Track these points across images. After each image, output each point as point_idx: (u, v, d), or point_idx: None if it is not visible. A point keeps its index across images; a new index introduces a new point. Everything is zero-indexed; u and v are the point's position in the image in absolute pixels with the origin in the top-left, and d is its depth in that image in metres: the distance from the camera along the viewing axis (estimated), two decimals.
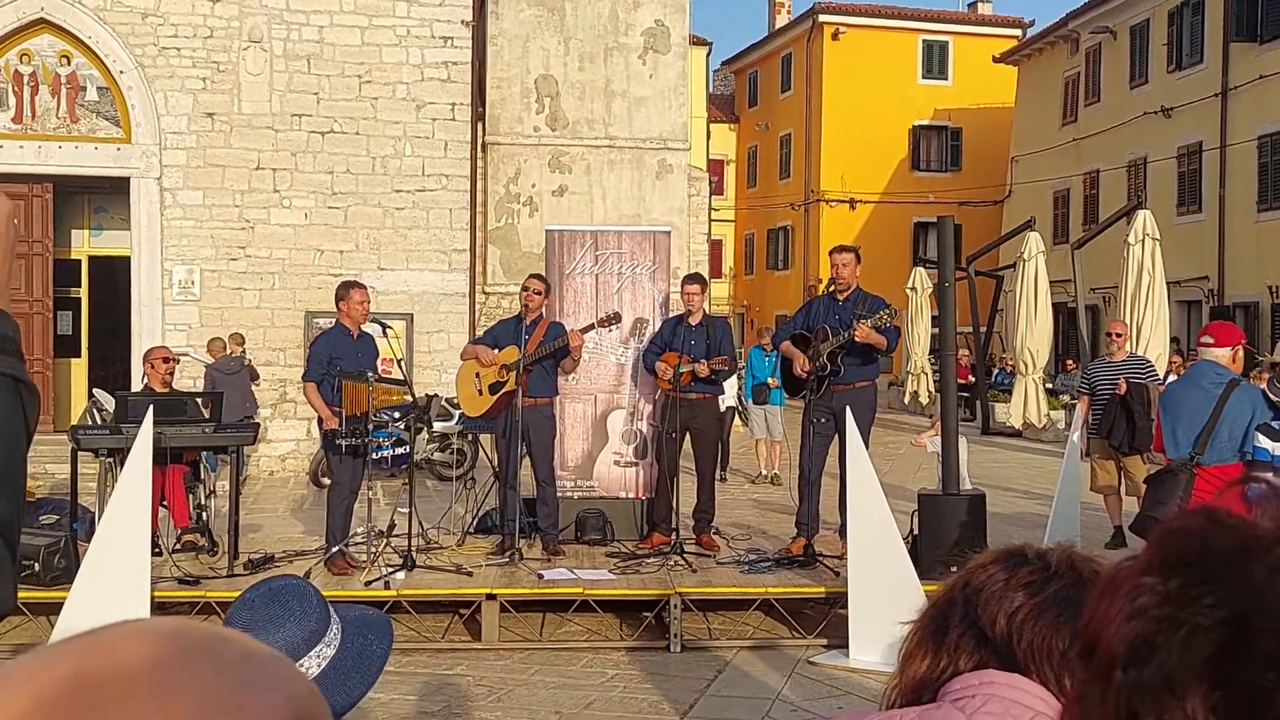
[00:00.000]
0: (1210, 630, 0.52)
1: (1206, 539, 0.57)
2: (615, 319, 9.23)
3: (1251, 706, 0.50)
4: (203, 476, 9.62)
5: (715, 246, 35.51)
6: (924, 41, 39.04)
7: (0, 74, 16.43)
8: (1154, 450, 7.18)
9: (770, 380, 13.80)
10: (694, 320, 9.31)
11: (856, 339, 8.37)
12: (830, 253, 9.08)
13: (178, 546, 9.02)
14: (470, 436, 13.81)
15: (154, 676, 0.55)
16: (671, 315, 9.80)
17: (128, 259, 16.61)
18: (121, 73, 16.38)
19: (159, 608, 7.74)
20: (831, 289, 8.96)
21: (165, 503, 9.01)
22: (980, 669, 1.31)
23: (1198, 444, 6.39)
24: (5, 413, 1.21)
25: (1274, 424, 6.37)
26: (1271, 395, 7.19)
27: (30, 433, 1.25)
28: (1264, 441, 6.24)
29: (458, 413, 14.65)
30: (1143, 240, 16.26)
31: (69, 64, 16.55)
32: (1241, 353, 6.82)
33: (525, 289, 9.16)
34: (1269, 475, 0.64)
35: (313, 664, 1.75)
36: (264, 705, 0.57)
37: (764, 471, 15.81)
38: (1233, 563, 0.54)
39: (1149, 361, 11.72)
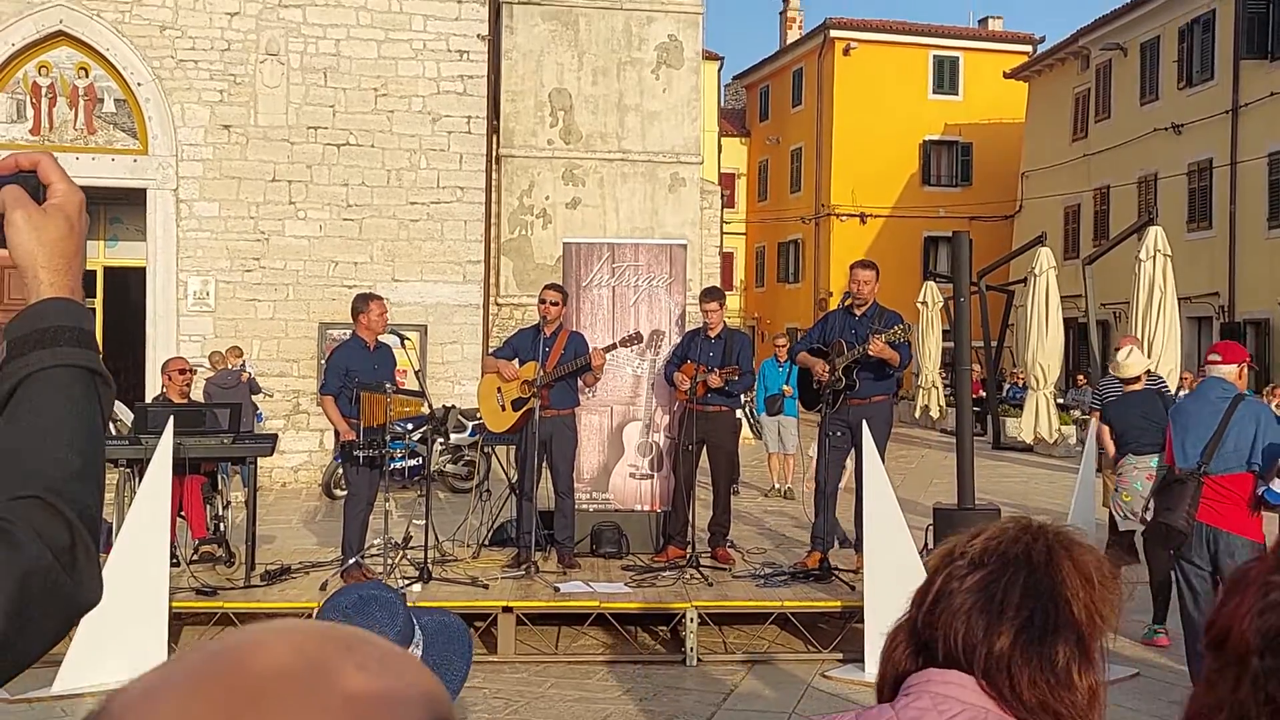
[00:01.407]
0: None
1: None
2: (637, 339, 9.28)
3: None
4: (220, 487, 9.67)
5: (727, 259, 35.58)
6: (935, 57, 39.11)
7: (19, 86, 16.55)
8: (1164, 462, 7.29)
9: (785, 388, 13.82)
10: (713, 333, 9.36)
11: (871, 354, 8.40)
12: (851, 267, 9.11)
13: (195, 557, 9.07)
14: (483, 448, 13.85)
15: (307, 673, 0.60)
16: (691, 328, 9.85)
17: (143, 270, 16.70)
18: (139, 85, 16.48)
19: (176, 619, 7.79)
20: (849, 303, 9.00)
21: (183, 513, 9.06)
22: (924, 668, 1.41)
23: (1205, 454, 6.59)
24: (86, 406, 1.24)
25: None
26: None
27: (105, 424, 1.29)
28: (1277, 485, 6.45)
29: (471, 424, 14.71)
30: (1154, 256, 16.30)
31: (87, 76, 16.67)
32: (1246, 370, 7.08)
33: (542, 300, 9.18)
34: None
35: None
36: (406, 700, 0.61)
37: (776, 485, 15.82)
38: None
39: (1161, 378, 11.72)
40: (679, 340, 9.73)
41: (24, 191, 1.31)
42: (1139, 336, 15.60)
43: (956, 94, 39.07)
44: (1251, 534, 6.52)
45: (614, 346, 9.12)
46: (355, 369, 8.70)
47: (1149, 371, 11.09)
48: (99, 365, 1.29)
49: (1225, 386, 6.76)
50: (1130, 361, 9.54)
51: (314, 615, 1.89)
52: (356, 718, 0.59)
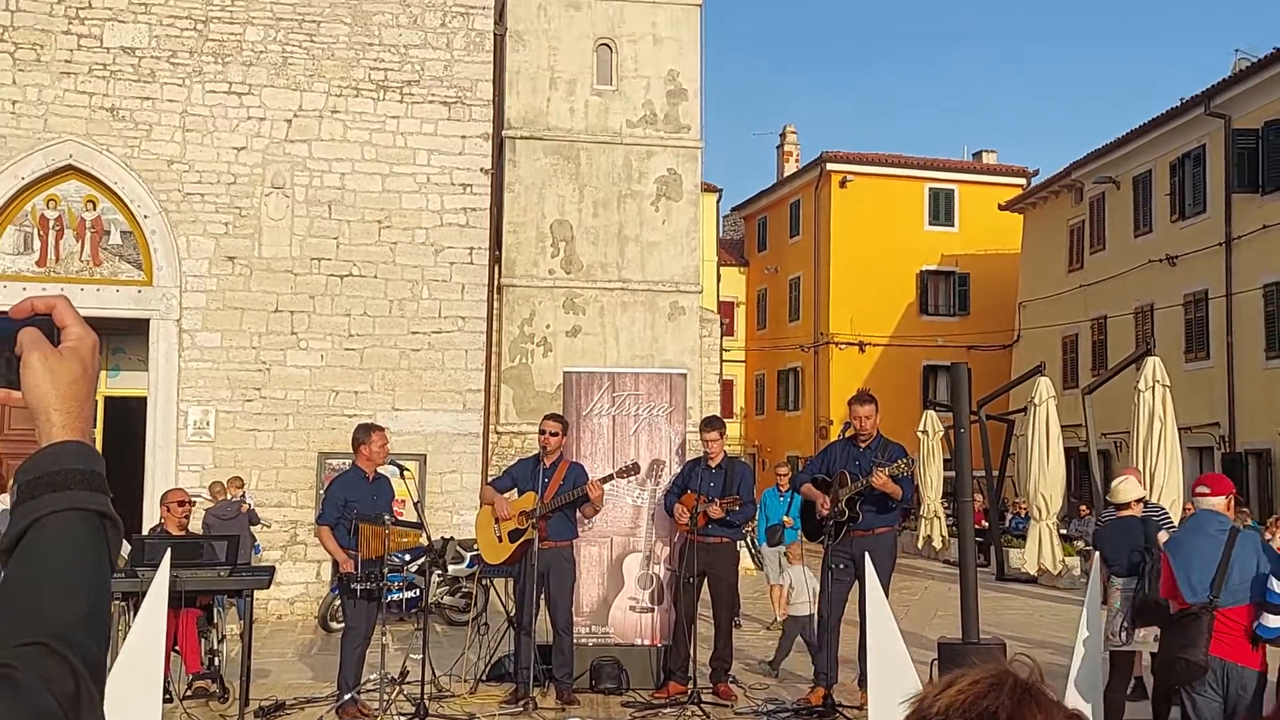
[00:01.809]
0: None
1: None
2: (634, 469, 9.26)
3: None
4: (215, 620, 9.55)
5: (727, 387, 35.67)
6: (930, 189, 39.76)
7: (27, 218, 16.78)
8: (1160, 595, 7.35)
9: (785, 519, 13.72)
10: (713, 463, 9.34)
11: (874, 486, 8.37)
12: (849, 403, 9.13)
13: (189, 693, 8.92)
14: (481, 580, 13.71)
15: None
16: (691, 457, 9.83)
17: (144, 399, 16.73)
18: (145, 217, 16.71)
19: None
20: (850, 434, 8.99)
21: (177, 647, 8.93)
22: None
23: (1214, 587, 6.64)
24: (94, 550, 1.24)
25: None
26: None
27: (112, 568, 1.29)
28: (1277, 586, 6.49)
29: (469, 556, 14.59)
30: (1153, 386, 16.32)
31: (94, 209, 16.90)
32: (1233, 501, 7.36)
33: (543, 431, 9.18)
34: None
35: None
36: None
37: (779, 618, 15.59)
38: None
39: (1164, 509, 11.65)
40: (679, 470, 9.71)
41: (41, 334, 1.32)
42: (1140, 467, 15.55)
43: (952, 225, 39.62)
44: (1256, 665, 6.54)
45: (610, 478, 9.09)
46: (354, 499, 8.67)
47: (1146, 502, 11.04)
48: (109, 509, 1.29)
49: (1220, 519, 6.86)
50: (1122, 488, 9.55)
51: None
52: None
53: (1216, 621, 6.59)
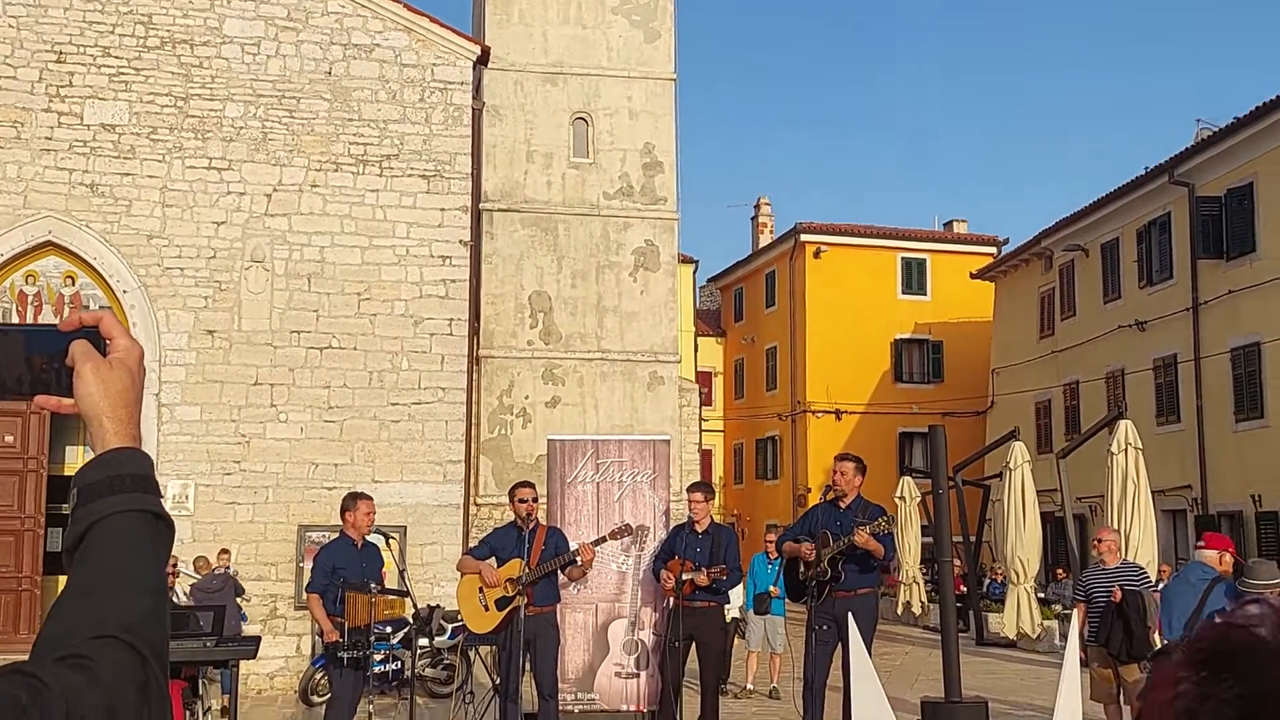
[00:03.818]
0: (1231, 703, 0.76)
1: (1226, 640, 0.80)
2: (627, 531, 9.34)
3: None
4: (200, 692, 9.51)
5: (706, 456, 35.75)
6: (903, 259, 40.25)
7: (5, 294, 16.82)
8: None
9: (772, 589, 13.74)
10: (700, 528, 9.42)
11: (856, 544, 8.48)
12: (835, 459, 9.30)
13: None
14: (464, 650, 13.67)
15: None
16: (678, 523, 9.91)
17: None
18: (125, 292, 16.77)
19: None
20: (830, 496, 9.11)
21: None
22: None
23: (1188, 627, 7.39)
24: (152, 549, 1.33)
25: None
26: (1240, 588, 7.85)
27: (166, 564, 1.38)
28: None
29: (450, 627, 14.54)
30: (1125, 449, 16.56)
31: (73, 284, 16.97)
32: (1229, 557, 8.07)
33: (523, 500, 9.22)
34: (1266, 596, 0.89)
35: None
36: None
37: (749, 686, 15.59)
38: (1244, 657, 0.78)
39: (1142, 568, 11.79)
40: (665, 535, 9.78)
41: (91, 346, 1.41)
42: (1116, 529, 15.71)
43: (925, 294, 40.07)
44: None
45: (603, 540, 9.17)
46: (341, 567, 8.70)
47: (1125, 561, 11.21)
48: (162, 509, 1.38)
49: (1205, 569, 7.57)
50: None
51: None
52: None
53: None
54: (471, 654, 13.43)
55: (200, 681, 9.57)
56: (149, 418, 16.59)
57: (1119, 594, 10.41)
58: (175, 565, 14.80)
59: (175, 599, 13.89)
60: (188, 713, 9.15)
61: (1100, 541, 11.17)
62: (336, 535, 9.19)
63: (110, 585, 1.28)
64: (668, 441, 10.64)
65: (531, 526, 9.14)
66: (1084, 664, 11.16)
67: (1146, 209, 28.50)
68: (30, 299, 16.92)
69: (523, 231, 20.38)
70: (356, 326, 17.24)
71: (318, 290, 17.22)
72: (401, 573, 9.22)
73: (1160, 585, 17.77)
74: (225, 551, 15.82)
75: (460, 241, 17.77)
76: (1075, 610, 11.27)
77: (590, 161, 20.81)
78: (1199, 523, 26.10)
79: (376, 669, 9.24)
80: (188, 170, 17.08)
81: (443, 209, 17.69)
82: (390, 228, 17.50)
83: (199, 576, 15.06)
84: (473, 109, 18.18)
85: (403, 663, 13.27)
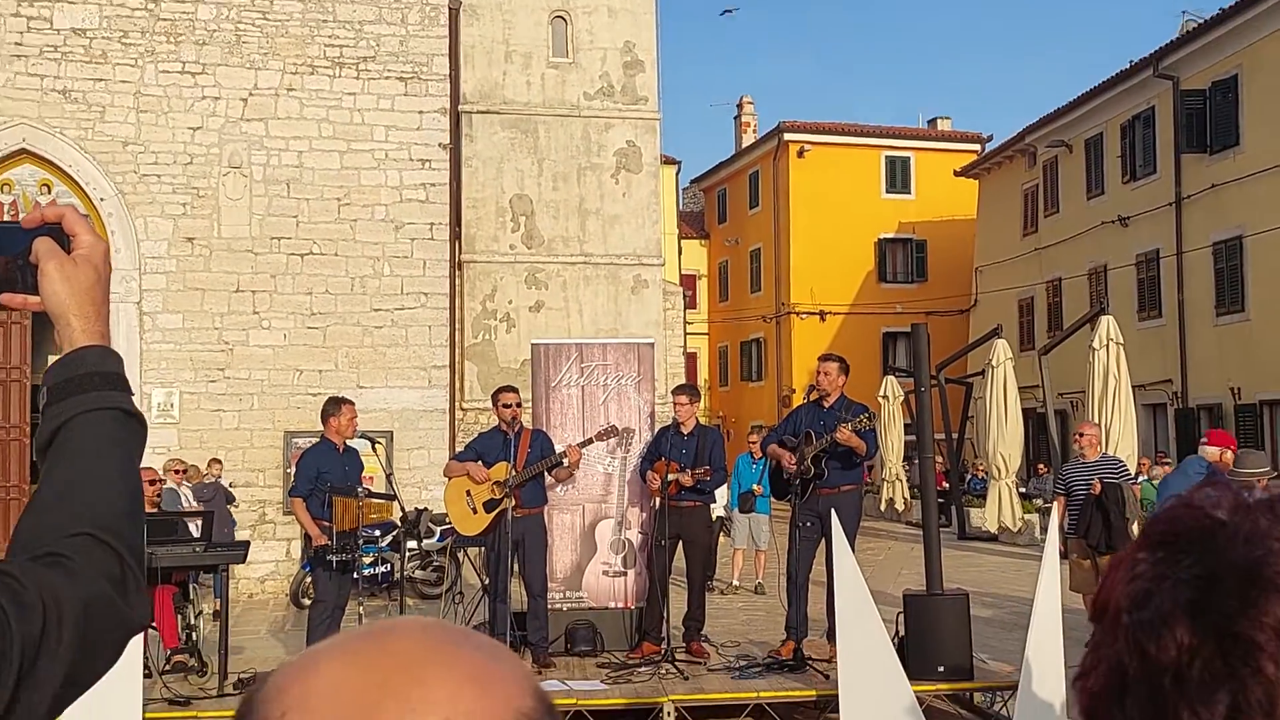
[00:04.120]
0: (1189, 583, 0.76)
1: (1182, 521, 0.81)
2: (613, 432, 9.40)
3: (1217, 631, 0.73)
4: (191, 597, 9.62)
5: (690, 359, 35.86)
6: (886, 157, 40.02)
7: None
8: None
9: (755, 488, 13.88)
10: (685, 430, 9.48)
11: (838, 440, 8.55)
12: (818, 359, 9.37)
13: (167, 668, 8.99)
14: (453, 552, 13.82)
15: (440, 651, 0.72)
16: (664, 425, 9.98)
17: None
18: (102, 200, 16.61)
19: None
20: (814, 396, 9.17)
21: (154, 623, 9.00)
22: None
23: None
24: (125, 446, 1.31)
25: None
26: (1230, 477, 7.94)
27: (139, 461, 1.36)
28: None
29: (439, 530, 14.68)
30: (1106, 345, 16.66)
31: (49, 192, 16.78)
32: (1230, 454, 8.24)
33: (506, 404, 9.26)
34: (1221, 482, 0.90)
35: None
36: (514, 672, 0.74)
37: (735, 583, 15.83)
38: (1201, 537, 0.78)
39: (1122, 461, 11.92)
40: (650, 438, 9.86)
41: (55, 243, 1.37)
42: (1096, 424, 15.86)
43: (909, 193, 39.92)
44: None
45: (590, 441, 9.25)
46: (326, 471, 8.75)
47: (1104, 454, 11.33)
48: (133, 406, 1.36)
49: (1203, 463, 7.85)
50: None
51: None
52: (480, 686, 0.70)
53: None
54: (460, 556, 13.58)
55: (191, 586, 9.67)
56: (131, 326, 16.55)
57: (1098, 486, 10.54)
58: (183, 469, 14.83)
59: (185, 502, 13.96)
60: (179, 617, 9.26)
61: (1081, 436, 11.27)
62: (319, 440, 9.22)
63: (83, 484, 1.27)
64: (652, 345, 10.65)
65: (516, 430, 9.19)
66: (1064, 556, 11.34)
67: (1130, 103, 28.33)
68: (6, 208, 16.73)
69: (503, 134, 20.17)
70: (337, 232, 17.13)
71: (297, 196, 17.08)
72: (388, 476, 9.28)
73: (1140, 478, 18.06)
74: (217, 461, 15.87)
75: (439, 145, 17.60)
76: (1055, 503, 11.42)
77: (570, 61, 20.53)
78: (1178, 416, 26.39)
79: (366, 571, 9.33)
80: (161, 75, 16.82)
81: (421, 111, 17.48)
82: (368, 131, 17.31)
83: (191, 484, 15.14)
84: (449, 8, 17.88)
85: (392, 565, 13.42)
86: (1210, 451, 8.36)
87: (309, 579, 13.96)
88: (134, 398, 1.39)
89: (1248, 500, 0.81)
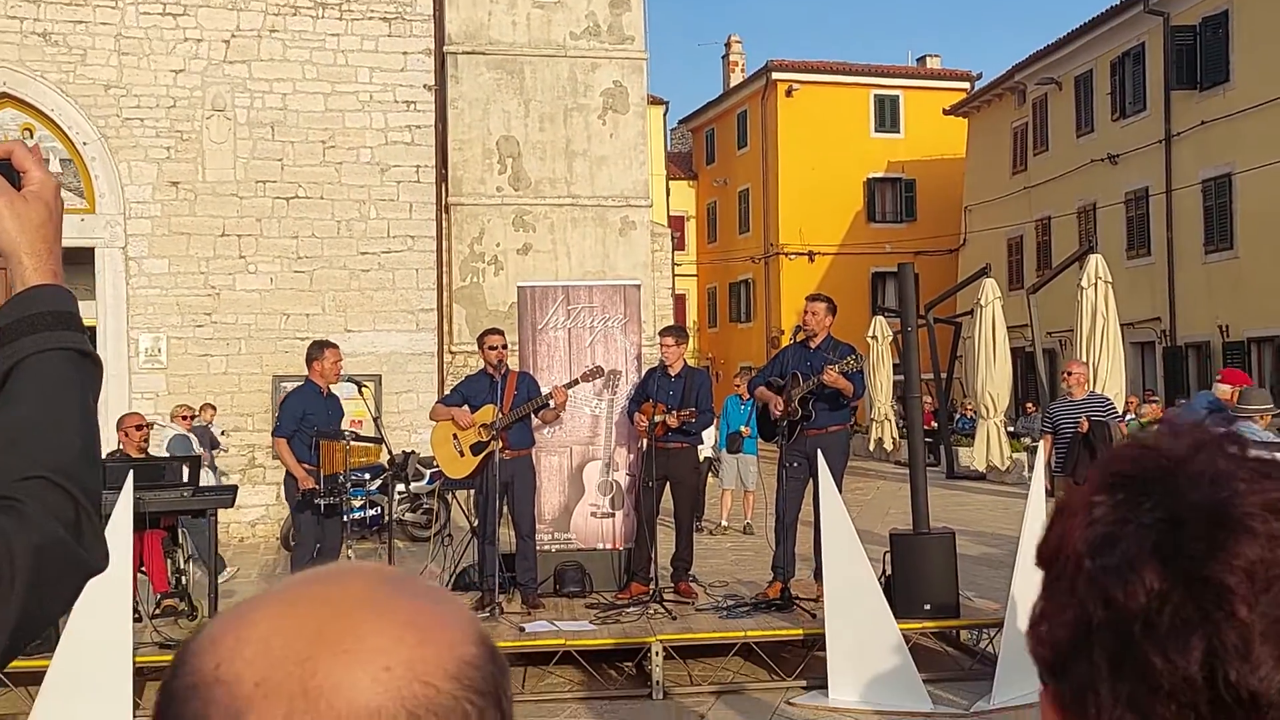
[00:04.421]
0: (1152, 526, 0.74)
1: (1139, 463, 0.78)
2: (598, 373, 9.40)
3: (1187, 575, 0.71)
4: (180, 541, 9.64)
5: (679, 301, 35.84)
6: (875, 96, 39.76)
7: None
8: None
9: (743, 429, 13.92)
10: (673, 371, 9.48)
11: (825, 382, 8.56)
12: (805, 299, 9.36)
13: (157, 612, 9.04)
14: (442, 494, 13.86)
15: (379, 597, 0.71)
16: (652, 366, 9.98)
17: (93, 329, 16.60)
18: (85, 144, 16.46)
19: (140, 674, 7.75)
20: (801, 337, 9.16)
21: (144, 568, 9.03)
22: None
23: None
24: (80, 387, 1.28)
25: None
26: (1233, 413, 8.09)
27: (95, 404, 1.33)
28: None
29: (429, 472, 14.71)
30: (1095, 284, 16.64)
31: (32, 137, 16.61)
32: (1237, 393, 8.47)
33: (491, 346, 9.25)
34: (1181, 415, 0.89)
35: None
36: (457, 618, 0.72)
37: (724, 523, 15.93)
38: (1160, 478, 0.76)
39: (1109, 400, 11.95)
40: (638, 380, 9.86)
41: (3, 180, 1.33)
42: (1084, 362, 15.89)
43: (898, 131, 39.71)
44: None
45: (576, 382, 9.25)
46: (310, 413, 8.75)
47: (1093, 393, 11.37)
48: (88, 347, 1.32)
49: (1211, 399, 8.07)
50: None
51: None
52: (420, 632, 0.69)
53: None
54: (449, 498, 13.63)
55: (180, 530, 9.70)
56: (117, 272, 16.46)
57: (1086, 424, 10.58)
58: (191, 414, 14.77)
59: (196, 446, 13.95)
60: (168, 560, 9.29)
61: (1069, 375, 11.30)
62: (303, 382, 9.20)
63: (37, 427, 1.23)
64: (638, 286, 10.62)
65: (503, 373, 9.19)
66: (1050, 494, 11.42)
67: (1121, 39, 28.13)
68: None
69: (488, 75, 19.99)
70: (322, 175, 17.02)
71: (281, 139, 16.93)
72: (375, 420, 9.27)
73: (1128, 417, 18.14)
74: (210, 407, 15.81)
75: (424, 86, 17.44)
76: (1042, 442, 11.47)
77: (555, 0, 20.30)
78: (1167, 354, 26.46)
79: (356, 515, 9.34)
80: (142, 16, 16.61)
81: (405, 53, 17.31)
82: (353, 73, 17.14)
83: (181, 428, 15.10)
84: None
85: (382, 508, 13.46)
86: (1223, 389, 8.57)
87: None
88: (87, 337, 1.35)
89: (1202, 438, 0.79)
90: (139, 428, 10.03)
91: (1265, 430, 8.08)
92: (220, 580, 12.30)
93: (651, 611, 8.68)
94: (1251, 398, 8.63)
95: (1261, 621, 0.70)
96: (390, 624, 0.68)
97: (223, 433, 15.93)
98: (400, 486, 14.21)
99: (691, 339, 42.43)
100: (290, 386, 15.30)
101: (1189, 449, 0.78)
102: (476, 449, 9.04)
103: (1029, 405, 27.02)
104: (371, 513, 13.63)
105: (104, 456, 7.96)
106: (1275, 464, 0.76)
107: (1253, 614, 0.70)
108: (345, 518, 8.74)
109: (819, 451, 8.23)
